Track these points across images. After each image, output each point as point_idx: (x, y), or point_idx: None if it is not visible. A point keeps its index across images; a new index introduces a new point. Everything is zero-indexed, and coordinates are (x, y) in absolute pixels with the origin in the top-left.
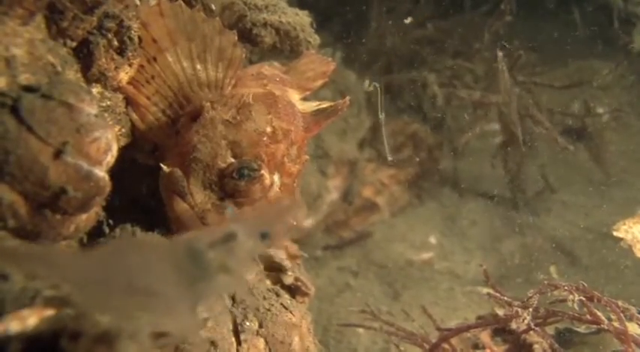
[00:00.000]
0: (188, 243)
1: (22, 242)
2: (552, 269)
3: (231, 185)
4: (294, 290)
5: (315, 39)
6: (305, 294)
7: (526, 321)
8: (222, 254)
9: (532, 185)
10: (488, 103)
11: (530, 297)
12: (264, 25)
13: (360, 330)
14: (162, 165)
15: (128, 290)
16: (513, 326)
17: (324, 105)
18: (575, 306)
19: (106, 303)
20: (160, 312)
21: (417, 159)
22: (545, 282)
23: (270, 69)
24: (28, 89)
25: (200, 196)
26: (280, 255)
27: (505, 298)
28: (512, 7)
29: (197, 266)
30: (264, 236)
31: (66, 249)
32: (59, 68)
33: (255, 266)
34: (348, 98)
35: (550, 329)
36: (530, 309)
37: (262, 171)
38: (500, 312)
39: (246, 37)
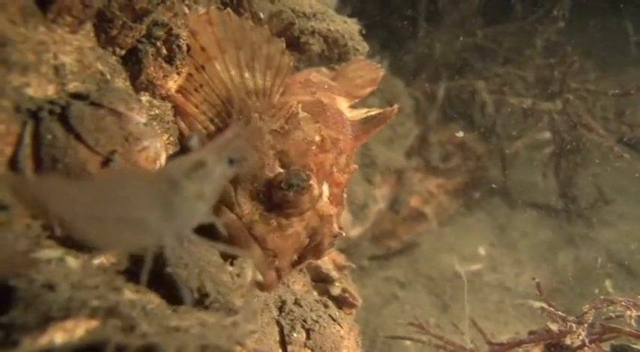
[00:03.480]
0: (166, 174)
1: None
2: (608, 283)
3: (280, 195)
4: (341, 302)
5: (364, 47)
6: (352, 306)
7: (581, 337)
8: (197, 182)
9: (586, 195)
10: (539, 111)
11: (586, 312)
12: (313, 33)
13: (408, 343)
14: None
15: (120, 219)
16: (567, 342)
17: (372, 113)
18: (633, 322)
19: (100, 231)
20: (146, 241)
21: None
22: (601, 297)
23: (319, 76)
24: (77, 97)
25: (248, 207)
26: (327, 266)
27: (559, 313)
28: (565, 12)
29: (176, 195)
30: (232, 161)
31: (60, 179)
32: (108, 76)
33: (302, 276)
34: (396, 106)
35: (606, 346)
36: (586, 325)
37: (311, 182)
38: (554, 327)
39: (294, 44)
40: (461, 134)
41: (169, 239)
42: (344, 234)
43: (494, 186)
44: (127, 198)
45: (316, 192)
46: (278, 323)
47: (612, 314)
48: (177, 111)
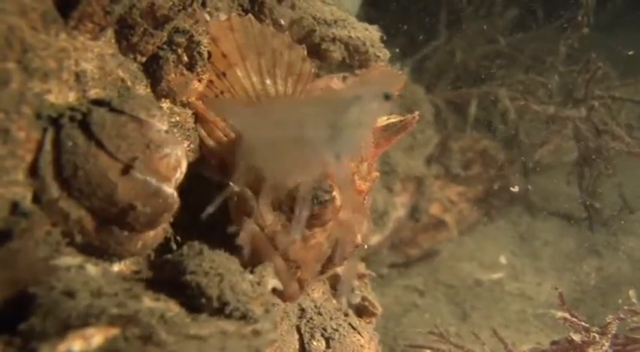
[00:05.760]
0: (340, 96)
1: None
2: (632, 293)
3: None
4: (361, 310)
5: (385, 53)
6: (372, 314)
7: (604, 348)
8: (358, 111)
9: (609, 204)
10: (563, 118)
11: (609, 323)
12: (333, 39)
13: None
14: (231, 183)
15: (297, 139)
16: None
17: (393, 120)
18: None
19: (279, 150)
20: (313, 162)
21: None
22: (625, 307)
23: (339, 83)
24: (99, 103)
25: (270, 217)
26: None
27: (582, 323)
28: (589, 18)
29: (343, 117)
30: (386, 97)
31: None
32: (129, 83)
33: (321, 284)
34: (417, 113)
35: None
36: (609, 336)
37: (334, 193)
38: (577, 338)
39: (315, 51)
40: (516, 189)
41: (333, 158)
42: (366, 247)
43: (515, 194)
44: (305, 118)
45: (338, 203)
46: (297, 331)
47: (637, 325)
48: (198, 118)
